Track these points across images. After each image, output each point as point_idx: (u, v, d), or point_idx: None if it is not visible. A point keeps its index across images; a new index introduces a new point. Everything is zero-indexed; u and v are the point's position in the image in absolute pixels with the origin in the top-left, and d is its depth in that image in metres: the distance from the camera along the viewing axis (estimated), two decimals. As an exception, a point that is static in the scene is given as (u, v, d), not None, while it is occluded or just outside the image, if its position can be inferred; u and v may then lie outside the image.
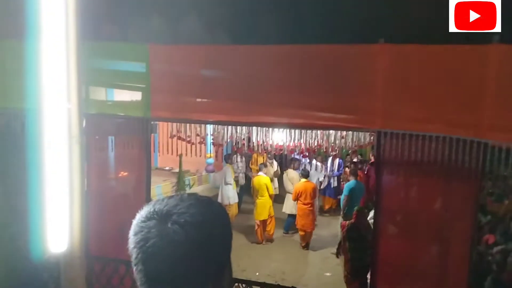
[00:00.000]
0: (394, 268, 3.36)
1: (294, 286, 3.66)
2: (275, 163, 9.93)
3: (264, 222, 7.87)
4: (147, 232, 0.82)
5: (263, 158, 9.98)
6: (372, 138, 5.69)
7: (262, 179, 7.89)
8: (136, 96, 4.05)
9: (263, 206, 7.76)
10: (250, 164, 10.47)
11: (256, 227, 7.89)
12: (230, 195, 8.50)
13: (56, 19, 1.68)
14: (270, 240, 8.00)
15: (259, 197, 7.81)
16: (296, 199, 7.70)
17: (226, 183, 8.48)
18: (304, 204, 7.59)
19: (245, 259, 6.94)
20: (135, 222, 0.87)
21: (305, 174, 7.92)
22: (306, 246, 7.72)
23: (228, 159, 8.96)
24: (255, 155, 10.07)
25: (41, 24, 1.69)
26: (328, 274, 6.70)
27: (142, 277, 0.84)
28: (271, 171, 9.59)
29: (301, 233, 7.73)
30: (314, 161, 9.82)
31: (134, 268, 0.85)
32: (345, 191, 7.46)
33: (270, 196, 7.93)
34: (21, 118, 4.01)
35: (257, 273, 6.40)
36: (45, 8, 1.68)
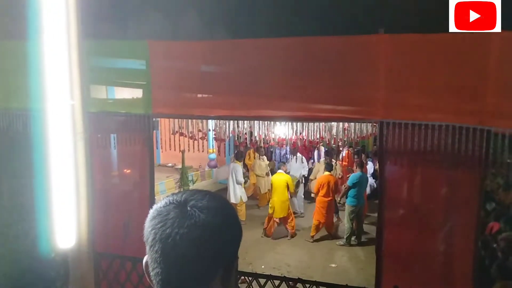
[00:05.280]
0: (400, 257, 3.37)
1: (299, 278, 3.67)
2: (265, 158, 9.84)
3: (283, 219, 7.82)
4: (166, 215, 0.86)
5: (255, 154, 9.96)
6: (374, 129, 5.70)
7: (282, 177, 7.79)
8: (137, 93, 4.05)
9: (282, 204, 7.66)
10: (246, 160, 10.39)
11: (276, 225, 7.84)
12: (241, 193, 8.37)
13: (56, 19, 1.68)
14: (293, 236, 7.95)
15: (279, 195, 7.67)
16: (318, 191, 7.71)
17: (238, 182, 8.29)
18: (324, 197, 7.61)
19: (251, 253, 6.97)
20: (152, 209, 0.90)
21: (329, 168, 7.90)
22: (313, 238, 7.77)
23: (239, 156, 8.73)
24: (249, 151, 10.02)
25: (42, 24, 1.69)
26: (333, 265, 6.73)
27: (158, 257, 0.85)
28: (263, 167, 9.53)
29: (315, 223, 7.75)
30: (298, 154, 9.64)
31: (150, 250, 0.87)
32: (349, 182, 7.52)
33: (290, 194, 7.84)
34: (23, 118, 4.03)
35: (263, 266, 6.44)
36: (45, 8, 1.68)
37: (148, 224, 0.88)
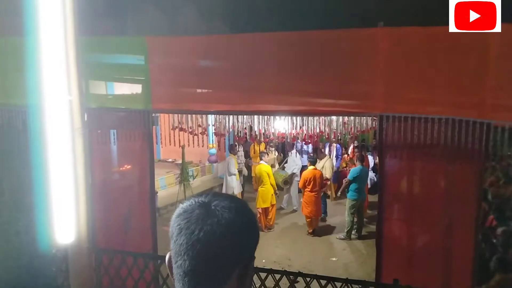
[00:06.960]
0: (400, 250, 3.38)
1: (300, 271, 3.68)
2: (272, 151, 9.94)
3: (265, 210, 7.91)
4: (191, 212, 0.92)
5: (259, 147, 10.02)
6: (374, 122, 5.69)
7: (263, 167, 7.90)
8: (137, 89, 4.04)
9: (265, 194, 7.78)
10: (251, 153, 10.47)
11: (258, 215, 7.92)
12: (234, 185, 8.52)
13: (54, 15, 1.67)
14: (270, 228, 8.02)
15: (262, 185, 7.82)
16: (304, 186, 7.72)
17: (230, 174, 8.49)
18: (311, 191, 7.63)
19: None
20: (178, 208, 0.96)
21: (313, 162, 7.91)
22: (313, 233, 7.78)
23: (232, 149, 8.98)
24: (253, 144, 10.10)
25: (40, 21, 1.68)
26: (334, 259, 6.75)
27: (182, 250, 0.90)
28: (272, 158, 9.62)
29: (308, 219, 7.78)
30: (294, 151, 9.64)
31: (174, 243, 0.92)
32: (349, 176, 7.52)
33: (272, 184, 7.95)
34: (21, 114, 4.02)
35: (264, 260, 6.46)
36: (43, 4, 1.67)
37: (173, 221, 0.94)
